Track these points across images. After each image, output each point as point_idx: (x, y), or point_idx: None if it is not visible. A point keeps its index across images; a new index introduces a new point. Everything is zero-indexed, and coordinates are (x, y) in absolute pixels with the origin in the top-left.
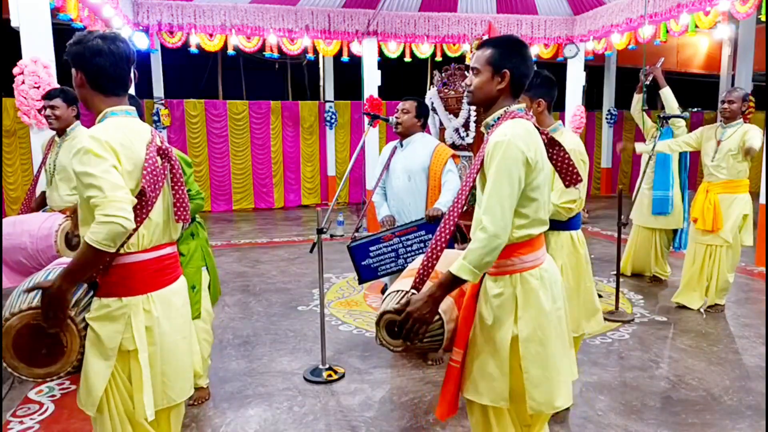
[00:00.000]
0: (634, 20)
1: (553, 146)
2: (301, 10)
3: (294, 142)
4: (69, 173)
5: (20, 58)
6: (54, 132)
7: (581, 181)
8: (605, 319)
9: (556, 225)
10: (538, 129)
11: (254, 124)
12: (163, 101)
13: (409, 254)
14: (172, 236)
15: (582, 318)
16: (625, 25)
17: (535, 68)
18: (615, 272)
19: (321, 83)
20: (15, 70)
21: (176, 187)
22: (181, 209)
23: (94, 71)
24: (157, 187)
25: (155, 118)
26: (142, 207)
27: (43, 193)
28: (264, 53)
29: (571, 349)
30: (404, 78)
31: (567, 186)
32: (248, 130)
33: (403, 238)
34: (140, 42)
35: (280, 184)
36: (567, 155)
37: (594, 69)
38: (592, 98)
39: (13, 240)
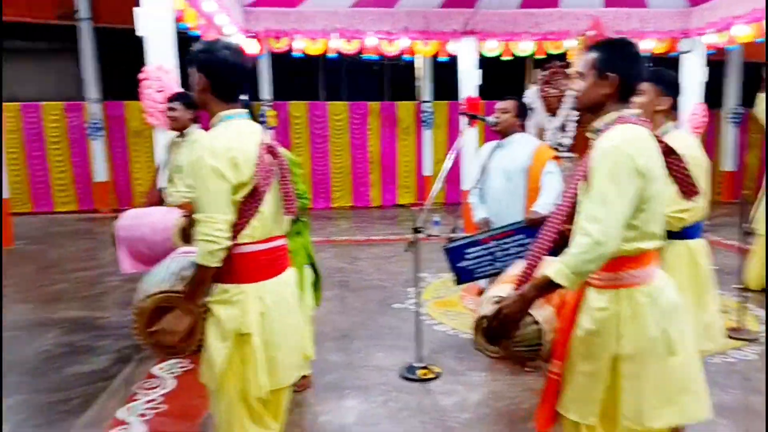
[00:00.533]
0: (760, 10)
1: (670, 155)
2: (399, 12)
3: (391, 142)
4: (185, 172)
5: (144, 64)
6: (175, 133)
7: (699, 192)
8: (728, 336)
9: (673, 234)
10: (655, 137)
11: (353, 124)
12: (270, 103)
13: (506, 258)
14: (282, 229)
15: (701, 335)
16: (749, 16)
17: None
18: (738, 286)
19: (418, 84)
20: (141, 76)
21: (284, 182)
22: (289, 203)
23: (219, 79)
24: (267, 182)
25: (262, 119)
26: (254, 201)
27: (161, 190)
28: (362, 55)
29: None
30: (503, 77)
31: (685, 198)
32: (347, 131)
33: (500, 242)
34: (251, 48)
35: (377, 183)
36: (684, 165)
37: (715, 64)
38: (713, 95)
39: (135, 231)
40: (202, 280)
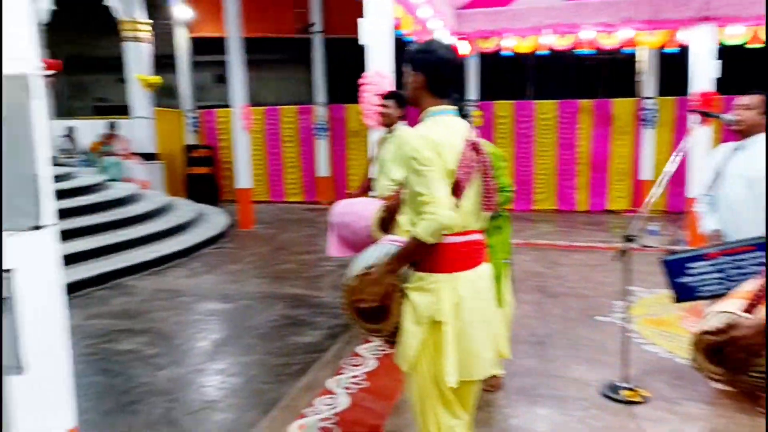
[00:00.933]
0: None
1: None
2: (622, 1)
3: (603, 143)
4: (388, 167)
5: (365, 70)
6: (384, 129)
7: None
8: None
9: None
10: None
11: (562, 123)
12: (476, 103)
13: (741, 276)
14: (480, 224)
15: None
16: None
17: None
18: None
19: (640, 78)
20: (361, 81)
21: (486, 178)
22: (488, 199)
23: (437, 77)
24: (468, 177)
25: (467, 119)
26: (456, 195)
27: (371, 180)
28: (575, 51)
29: None
30: (746, 68)
31: None
32: (555, 130)
33: (734, 257)
34: (462, 49)
35: (584, 187)
36: None
37: None
38: None
39: (344, 218)
40: (410, 253)
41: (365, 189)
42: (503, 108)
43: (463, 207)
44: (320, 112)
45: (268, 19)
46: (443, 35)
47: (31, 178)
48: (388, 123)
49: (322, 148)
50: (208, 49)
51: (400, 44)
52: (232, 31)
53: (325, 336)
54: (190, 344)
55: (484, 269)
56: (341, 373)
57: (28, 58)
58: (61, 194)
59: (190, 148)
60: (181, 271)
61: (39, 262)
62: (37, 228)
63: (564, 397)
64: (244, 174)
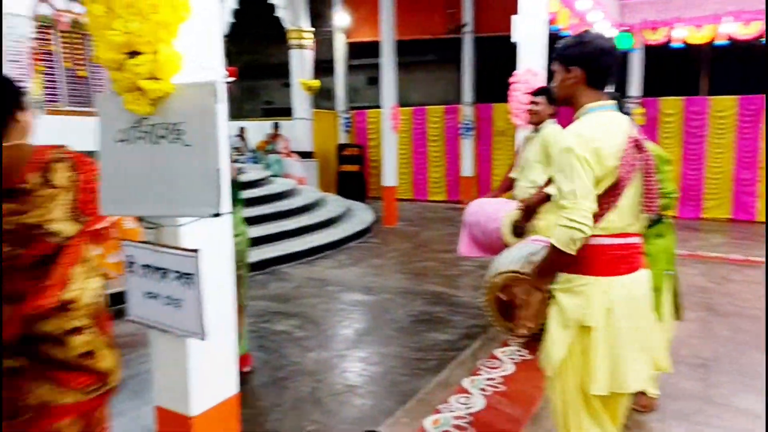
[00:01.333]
0: None
1: None
2: None
3: None
4: (530, 167)
5: (515, 68)
6: (531, 127)
7: None
8: None
9: None
10: None
11: (742, 122)
12: (639, 100)
13: None
14: (638, 226)
15: None
16: None
17: None
18: None
19: None
20: (511, 79)
21: (647, 178)
22: (649, 200)
23: (597, 68)
24: (629, 176)
25: (628, 116)
26: (614, 194)
27: (513, 180)
28: (762, 40)
29: None
30: None
31: None
32: (733, 130)
33: None
34: (623, 42)
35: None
36: None
37: None
38: None
39: (475, 217)
40: (552, 263)
41: (505, 189)
42: (670, 105)
43: (622, 207)
44: (466, 111)
45: (420, 21)
46: (604, 28)
47: (215, 172)
48: (536, 121)
49: (467, 148)
50: (363, 53)
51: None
52: (386, 35)
53: (462, 335)
54: (335, 330)
55: (641, 275)
56: (477, 374)
57: (215, 67)
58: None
59: (342, 147)
60: (329, 262)
61: (217, 245)
62: (217, 215)
63: (728, 428)
64: (390, 172)
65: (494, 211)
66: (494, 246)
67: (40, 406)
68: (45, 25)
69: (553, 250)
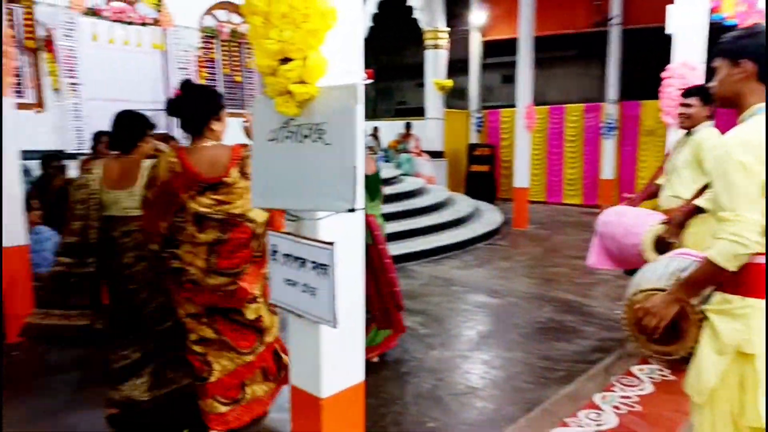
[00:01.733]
0: None
1: None
2: None
3: None
4: (678, 175)
5: (668, 62)
6: (684, 131)
7: None
8: None
9: None
10: None
11: None
12: None
13: None
14: None
15: None
16: None
17: None
18: None
19: None
20: (664, 74)
21: None
22: None
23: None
24: None
25: None
26: None
27: (659, 186)
28: None
29: None
30: None
31: None
32: None
33: None
34: None
35: None
36: None
37: None
38: None
39: (611, 228)
40: (706, 279)
41: (648, 195)
42: None
43: None
44: (610, 109)
45: (561, 15)
46: None
47: (351, 170)
48: (689, 125)
49: (608, 149)
50: (499, 51)
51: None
52: (525, 31)
53: (594, 348)
54: (458, 330)
55: None
56: (611, 390)
57: (356, 71)
58: None
59: (472, 147)
60: (454, 262)
61: (352, 239)
62: (352, 210)
63: None
64: (522, 173)
65: (634, 225)
66: (630, 261)
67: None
68: (209, 36)
69: (710, 264)
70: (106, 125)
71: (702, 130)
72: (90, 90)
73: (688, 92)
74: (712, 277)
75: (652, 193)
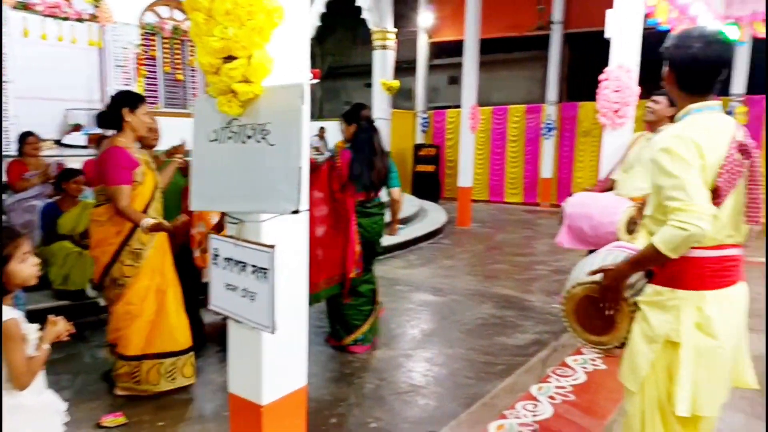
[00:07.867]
0: None
1: None
2: None
3: None
4: (646, 166)
5: (606, 65)
6: (623, 128)
7: None
8: None
9: None
10: None
11: None
12: (741, 98)
13: None
14: (738, 238)
15: None
16: None
17: None
18: None
19: None
20: (601, 77)
21: (752, 186)
22: (753, 210)
23: (685, 73)
24: (732, 184)
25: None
26: (713, 203)
27: (613, 181)
28: None
29: None
30: None
31: None
32: None
33: None
34: (728, 35)
35: None
36: None
37: None
38: None
39: (584, 208)
40: (643, 263)
41: (603, 190)
42: None
43: (720, 217)
44: (550, 110)
45: (506, 18)
46: (707, 21)
47: (297, 170)
48: (651, 119)
49: (547, 149)
50: (445, 52)
51: (650, 37)
52: (470, 33)
53: (532, 341)
54: (402, 330)
55: (739, 290)
56: (546, 381)
57: (302, 70)
58: None
59: (418, 147)
60: (399, 261)
61: (295, 241)
62: (296, 212)
63: None
64: (465, 173)
65: (611, 205)
66: (601, 241)
67: None
68: (150, 33)
69: (653, 250)
70: (34, 125)
71: (667, 130)
72: (19, 88)
73: (660, 91)
74: (650, 259)
75: (607, 188)
